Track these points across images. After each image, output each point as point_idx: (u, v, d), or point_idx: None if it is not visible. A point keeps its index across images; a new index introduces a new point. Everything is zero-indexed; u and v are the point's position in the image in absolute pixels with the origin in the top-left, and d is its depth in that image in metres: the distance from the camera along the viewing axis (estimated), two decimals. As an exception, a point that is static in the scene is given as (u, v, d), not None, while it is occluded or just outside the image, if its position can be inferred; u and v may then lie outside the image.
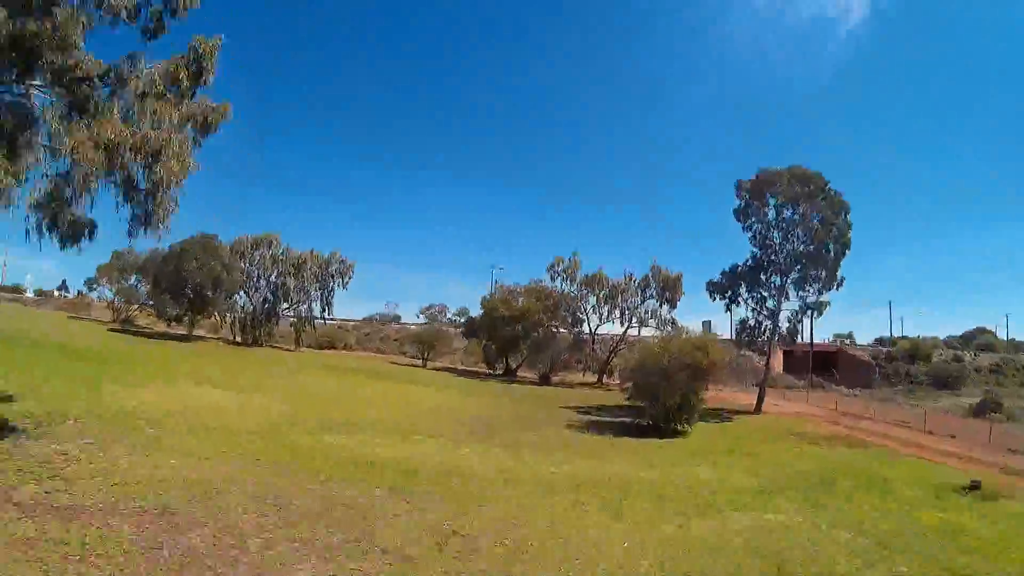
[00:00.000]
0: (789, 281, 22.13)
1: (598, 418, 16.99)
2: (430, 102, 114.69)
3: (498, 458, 10.06)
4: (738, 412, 20.48)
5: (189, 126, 12.18)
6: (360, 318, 71.68)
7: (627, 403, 16.18)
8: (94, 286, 53.96)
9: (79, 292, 55.49)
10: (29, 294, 60.04)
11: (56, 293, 67.06)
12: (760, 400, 21.43)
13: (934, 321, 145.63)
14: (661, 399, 13.50)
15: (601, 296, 36.53)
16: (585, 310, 37.15)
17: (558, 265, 36.57)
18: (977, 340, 60.59)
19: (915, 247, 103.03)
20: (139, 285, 45.61)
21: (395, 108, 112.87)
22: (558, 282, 36.54)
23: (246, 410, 12.62)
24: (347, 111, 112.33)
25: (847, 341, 59.58)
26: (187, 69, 12.41)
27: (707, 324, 42.43)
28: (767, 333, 22.14)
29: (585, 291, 36.80)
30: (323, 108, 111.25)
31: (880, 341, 60.55)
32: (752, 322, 22.42)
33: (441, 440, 11.32)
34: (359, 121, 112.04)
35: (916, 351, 48.82)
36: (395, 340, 48.06)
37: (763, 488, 8.99)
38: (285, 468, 8.00)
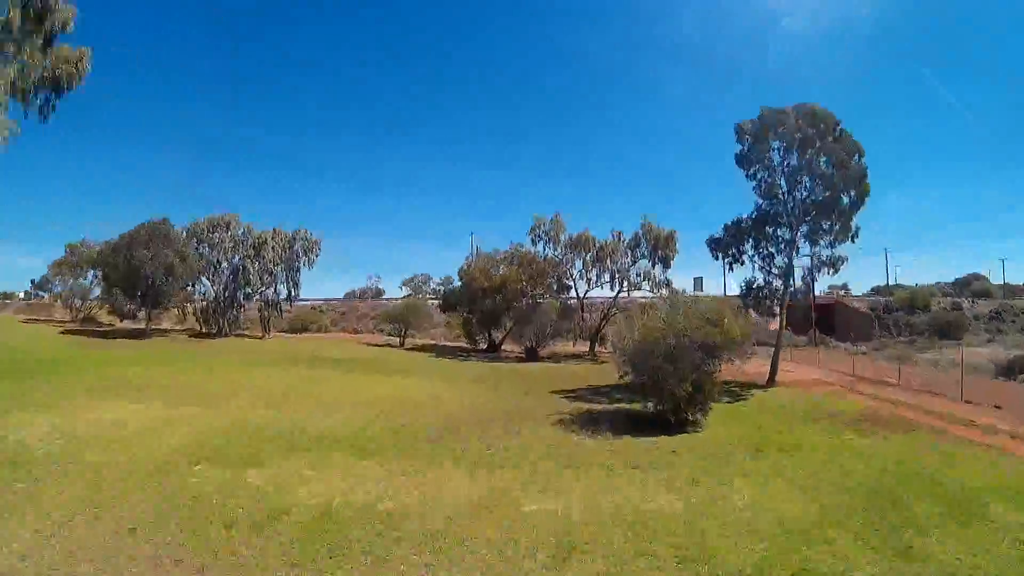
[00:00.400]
0: (799, 234, 19.68)
1: (592, 405, 14.69)
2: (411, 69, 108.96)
3: (460, 490, 7.62)
4: (750, 385, 18.31)
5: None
6: (342, 295, 68.85)
7: (623, 382, 13.72)
8: (48, 285, 50.76)
9: (55, 293, 52.53)
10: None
11: (21, 295, 64.41)
12: (773, 370, 19.27)
13: (924, 268, 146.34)
14: (669, 388, 10.99)
15: (588, 259, 33.84)
16: (572, 275, 34.55)
17: (540, 227, 33.66)
18: (972, 286, 59.48)
19: (904, 193, 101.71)
20: (94, 280, 42.71)
21: (372, 78, 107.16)
22: (540, 246, 33.82)
23: (169, 432, 10.18)
24: (323, 82, 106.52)
25: (843, 292, 57.93)
26: (27, 11, 9.51)
27: (698, 281, 40.28)
28: (777, 293, 19.80)
29: (571, 254, 34.10)
30: (297, 78, 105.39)
31: (878, 291, 58.97)
32: (760, 281, 20.05)
33: (393, 463, 8.86)
34: (337, 92, 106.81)
35: (914, 300, 47.45)
36: (372, 318, 45.33)
37: (820, 520, 6.64)
38: (165, 544, 5.60)
